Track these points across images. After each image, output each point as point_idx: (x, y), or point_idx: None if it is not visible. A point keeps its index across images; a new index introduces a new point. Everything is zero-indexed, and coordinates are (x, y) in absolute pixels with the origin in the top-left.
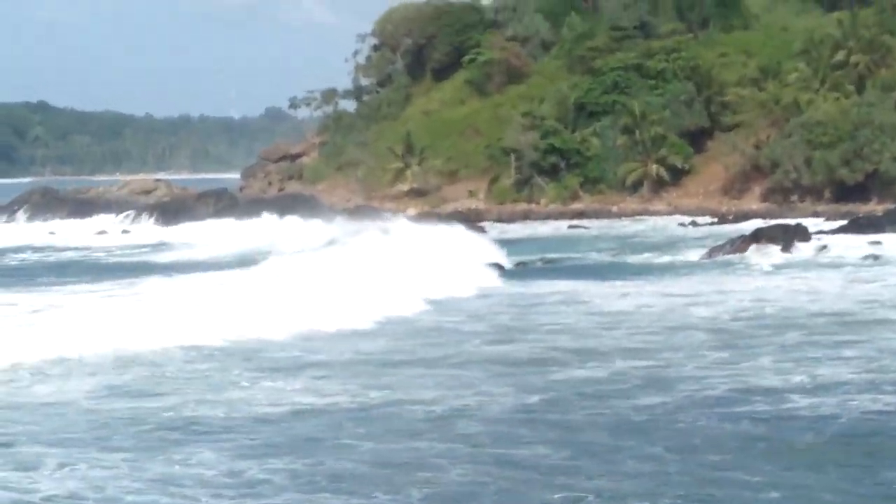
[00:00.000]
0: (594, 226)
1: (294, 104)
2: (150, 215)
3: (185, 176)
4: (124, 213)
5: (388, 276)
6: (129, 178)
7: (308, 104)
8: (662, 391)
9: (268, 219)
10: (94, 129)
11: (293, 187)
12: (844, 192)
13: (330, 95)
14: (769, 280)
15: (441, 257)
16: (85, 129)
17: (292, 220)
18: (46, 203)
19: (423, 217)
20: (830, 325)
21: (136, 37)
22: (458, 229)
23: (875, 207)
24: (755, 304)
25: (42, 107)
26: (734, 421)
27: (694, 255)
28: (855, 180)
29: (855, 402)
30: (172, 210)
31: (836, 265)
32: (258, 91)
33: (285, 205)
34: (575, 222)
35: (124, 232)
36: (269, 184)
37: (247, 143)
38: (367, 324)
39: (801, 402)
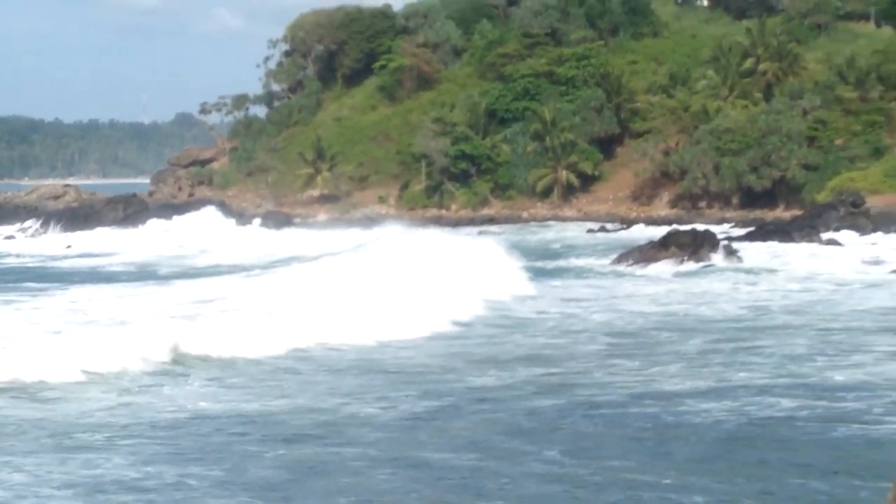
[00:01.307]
0: (505, 230)
1: (205, 110)
2: (59, 221)
3: (94, 181)
4: (33, 219)
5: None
6: (37, 183)
7: (219, 110)
8: (560, 395)
9: (161, 224)
10: (2, 133)
11: (203, 193)
12: (752, 199)
13: (241, 101)
14: (675, 286)
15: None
16: None
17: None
18: None
19: (333, 222)
20: (731, 330)
21: (45, 41)
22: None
23: (782, 214)
24: (659, 310)
25: None
26: (626, 425)
27: (603, 260)
28: (762, 187)
29: (748, 407)
30: (81, 215)
31: (742, 271)
32: (169, 97)
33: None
34: (484, 228)
35: (32, 236)
36: (179, 189)
37: (157, 149)
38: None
39: (694, 406)
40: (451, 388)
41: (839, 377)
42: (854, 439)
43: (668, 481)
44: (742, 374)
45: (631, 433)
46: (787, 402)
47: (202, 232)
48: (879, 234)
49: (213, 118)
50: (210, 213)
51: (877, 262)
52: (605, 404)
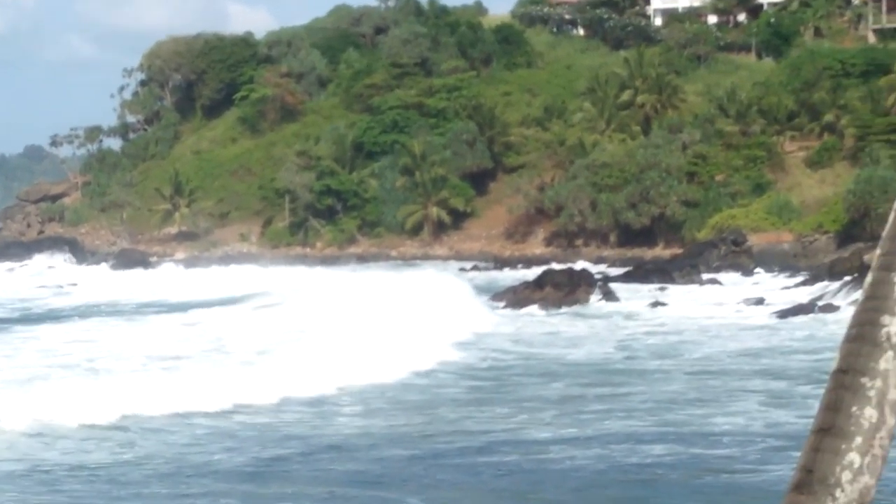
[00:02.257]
0: (373, 268)
1: (56, 142)
2: None
3: None
4: None
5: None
6: None
7: (71, 142)
8: (414, 444)
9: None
10: None
11: (54, 229)
12: (630, 236)
13: (94, 133)
14: (547, 327)
15: None
16: None
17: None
18: None
19: (193, 261)
20: (603, 374)
21: None
22: None
23: (662, 252)
24: (526, 352)
25: None
26: (479, 473)
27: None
28: (641, 224)
29: (615, 455)
30: None
31: (619, 313)
32: (17, 128)
33: (43, 248)
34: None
35: None
36: (28, 225)
37: (5, 183)
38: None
39: (559, 453)
40: (301, 437)
41: (713, 423)
42: (720, 487)
43: None
44: (613, 421)
45: (486, 480)
46: (658, 449)
47: (54, 273)
48: (761, 272)
49: (65, 151)
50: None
51: (757, 303)
52: (462, 452)
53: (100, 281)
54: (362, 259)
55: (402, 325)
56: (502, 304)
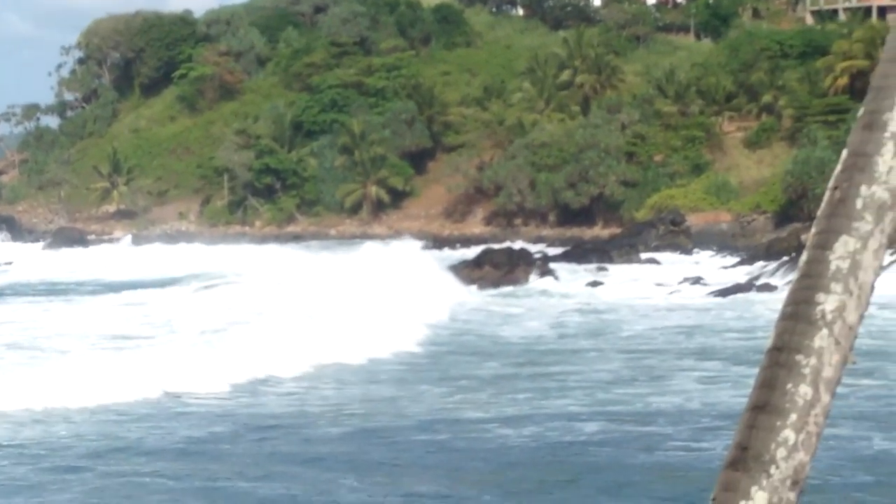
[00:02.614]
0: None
1: None
2: None
3: None
4: None
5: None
6: None
7: (7, 120)
8: (345, 423)
9: None
10: None
11: None
12: (569, 216)
13: (31, 111)
14: (485, 306)
15: None
16: None
17: None
18: None
19: (133, 239)
20: (536, 353)
21: None
22: None
23: (600, 232)
24: (462, 330)
25: None
26: (412, 451)
27: None
28: (580, 204)
29: (548, 433)
30: None
31: (556, 292)
32: None
33: None
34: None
35: None
36: None
37: None
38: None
39: (493, 432)
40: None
41: (648, 402)
42: (654, 465)
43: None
44: (548, 400)
45: (419, 457)
46: (591, 428)
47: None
48: (699, 252)
49: (2, 128)
50: None
51: (695, 283)
52: (397, 431)
53: (36, 259)
54: (300, 238)
55: (350, 306)
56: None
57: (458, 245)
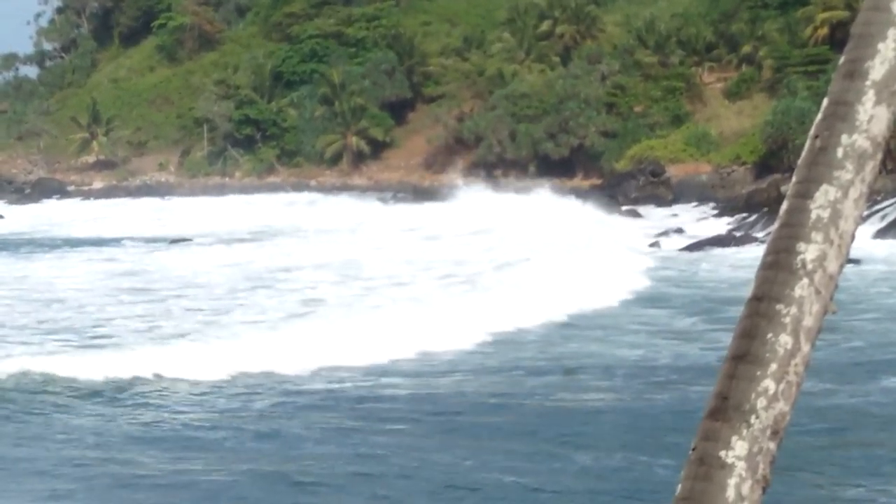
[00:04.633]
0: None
1: None
2: None
3: None
4: None
5: None
6: None
7: None
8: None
9: None
10: None
11: None
12: (549, 167)
13: (9, 61)
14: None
15: None
16: None
17: None
18: None
19: (111, 190)
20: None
21: None
22: None
23: (581, 182)
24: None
25: None
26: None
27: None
28: (560, 154)
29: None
30: None
31: None
32: None
33: None
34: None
35: None
36: None
37: None
38: None
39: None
40: None
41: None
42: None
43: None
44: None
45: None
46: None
47: None
48: (679, 204)
49: None
50: None
51: (675, 234)
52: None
53: (25, 212)
54: (280, 189)
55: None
56: None
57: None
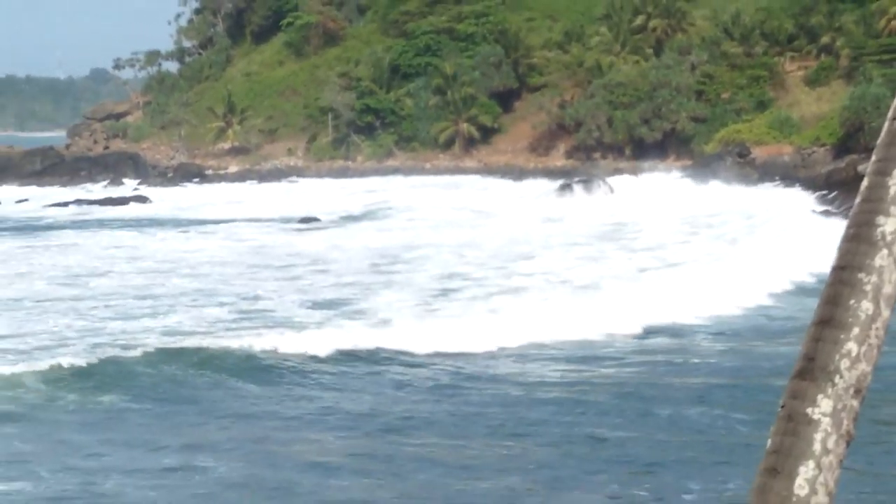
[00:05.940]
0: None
1: (118, 65)
2: None
3: (11, 133)
4: None
5: None
6: None
7: (132, 65)
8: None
9: None
10: None
11: (118, 145)
12: (644, 150)
13: (153, 57)
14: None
15: None
16: None
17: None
18: None
19: (245, 174)
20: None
21: None
22: None
23: (673, 164)
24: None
25: None
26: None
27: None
28: (653, 138)
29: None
30: None
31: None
32: (83, 52)
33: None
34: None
35: None
36: (95, 142)
37: (72, 103)
38: None
39: None
40: None
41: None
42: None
43: None
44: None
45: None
46: None
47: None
48: (765, 183)
49: (127, 73)
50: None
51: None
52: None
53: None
54: (398, 171)
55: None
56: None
57: (539, 176)
